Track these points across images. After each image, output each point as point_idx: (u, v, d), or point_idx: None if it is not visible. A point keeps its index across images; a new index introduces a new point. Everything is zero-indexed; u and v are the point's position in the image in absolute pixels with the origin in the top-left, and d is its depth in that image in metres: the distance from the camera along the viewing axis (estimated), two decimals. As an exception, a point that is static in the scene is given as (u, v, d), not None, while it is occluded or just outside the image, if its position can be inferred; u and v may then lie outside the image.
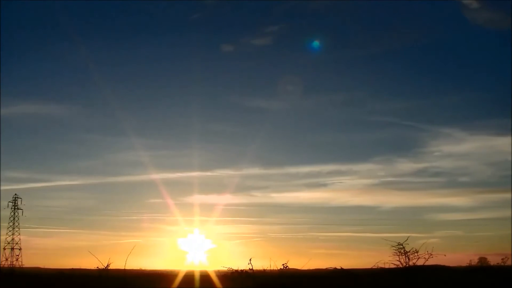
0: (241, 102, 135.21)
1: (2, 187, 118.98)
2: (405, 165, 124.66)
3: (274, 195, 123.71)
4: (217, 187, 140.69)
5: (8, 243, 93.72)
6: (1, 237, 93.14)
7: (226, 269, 20.39)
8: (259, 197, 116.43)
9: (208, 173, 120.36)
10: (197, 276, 22.50)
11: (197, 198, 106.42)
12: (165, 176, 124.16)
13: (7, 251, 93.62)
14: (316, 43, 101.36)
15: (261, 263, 20.16)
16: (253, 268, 19.60)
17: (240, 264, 19.98)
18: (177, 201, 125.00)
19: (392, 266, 18.48)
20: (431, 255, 17.89)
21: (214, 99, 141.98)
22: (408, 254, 18.22)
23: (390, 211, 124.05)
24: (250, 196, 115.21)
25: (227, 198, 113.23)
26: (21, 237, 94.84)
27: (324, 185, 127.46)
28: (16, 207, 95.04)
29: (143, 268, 52.18)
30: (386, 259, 18.50)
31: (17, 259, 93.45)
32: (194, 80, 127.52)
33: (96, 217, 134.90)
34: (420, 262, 18.13)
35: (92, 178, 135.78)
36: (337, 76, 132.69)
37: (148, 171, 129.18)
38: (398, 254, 18.36)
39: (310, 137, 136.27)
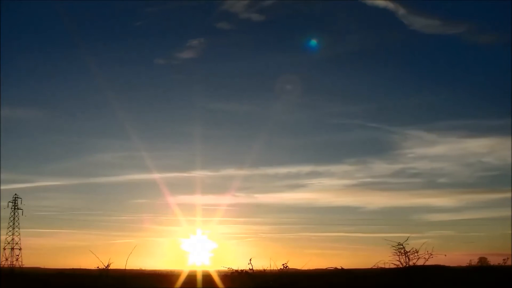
0: (205, 105, 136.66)
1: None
2: (381, 166, 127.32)
3: (257, 195, 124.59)
4: (198, 187, 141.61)
5: (8, 243, 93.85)
6: (1, 237, 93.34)
7: (226, 269, 20.40)
8: (243, 197, 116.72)
9: (185, 174, 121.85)
10: (186, 276, 22.55)
11: (180, 199, 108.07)
12: (147, 177, 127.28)
13: (7, 251, 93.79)
14: (313, 42, 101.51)
15: (261, 263, 20.17)
16: (253, 268, 19.61)
17: (240, 264, 19.99)
18: (161, 202, 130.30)
19: (392, 266, 18.50)
20: (431, 255, 17.93)
21: (179, 102, 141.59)
22: (408, 254, 18.24)
23: (376, 212, 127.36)
24: (233, 196, 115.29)
25: (211, 199, 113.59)
26: (20, 236, 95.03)
27: (303, 186, 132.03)
28: (16, 207, 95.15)
29: (143, 268, 52.31)
30: (386, 259, 18.54)
31: (17, 259, 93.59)
32: (165, 84, 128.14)
33: (83, 217, 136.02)
34: (420, 262, 18.17)
35: (73, 179, 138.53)
36: (297, 80, 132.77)
37: (126, 172, 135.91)
38: (398, 254, 18.38)
39: (280, 139, 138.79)
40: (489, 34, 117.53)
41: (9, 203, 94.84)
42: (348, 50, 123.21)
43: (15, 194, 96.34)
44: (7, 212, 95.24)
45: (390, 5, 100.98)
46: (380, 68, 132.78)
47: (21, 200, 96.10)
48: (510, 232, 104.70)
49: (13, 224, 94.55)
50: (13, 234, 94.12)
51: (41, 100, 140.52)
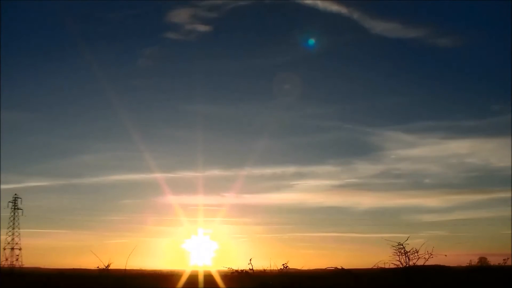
0: (178, 106, 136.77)
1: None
2: (366, 167, 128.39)
3: (246, 196, 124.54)
4: (184, 188, 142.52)
5: (8, 243, 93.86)
6: (1, 237, 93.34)
7: (226, 269, 20.40)
8: (230, 197, 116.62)
9: (171, 175, 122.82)
10: (187, 276, 22.61)
11: (172, 199, 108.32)
12: (131, 177, 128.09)
13: (7, 251, 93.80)
14: (311, 41, 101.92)
15: (261, 263, 20.18)
16: (253, 268, 19.61)
17: (240, 264, 20.00)
18: (151, 202, 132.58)
19: (392, 266, 18.49)
20: (431, 255, 17.91)
21: (155, 104, 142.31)
22: (408, 254, 18.24)
23: (366, 212, 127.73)
24: (220, 197, 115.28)
25: (200, 199, 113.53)
26: (20, 236, 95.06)
27: (289, 186, 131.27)
28: (16, 207, 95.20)
29: (143, 268, 52.27)
30: (386, 259, 18.55)
31: (17, 259, 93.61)
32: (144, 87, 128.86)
33: (76, 218, 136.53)
34: (420, 262, 18.15)
35: (60, 179, 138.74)
36: (265, 82, 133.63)
37: (111, 173, 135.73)
38: (398, 254, 18.38)
39: (259, 140, 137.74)
40: (449, 36, 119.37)
41: (9, 203, 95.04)
42: (313, 54, 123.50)
43: (15, 194, 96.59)
44: (7, 212, 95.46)
45: (344, 10, 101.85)
46: (348, 70, 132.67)
47: (21, 200, 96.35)
48: (500, 232, 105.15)
49: (13, 224, 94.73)
50: (13, 234, 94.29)
51: (26, 101, 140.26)
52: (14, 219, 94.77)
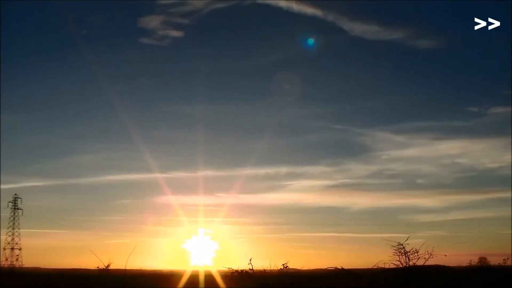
0: (161, 107, 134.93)
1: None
2: (359, 168, 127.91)
3: (241, 196, 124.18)
4: (181, 188, 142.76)
5: (8, 243, 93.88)
6: (1, 237, 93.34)
7: (226, 269, 20.40)
8: (226, 197, 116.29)
9: (165, 175, 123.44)
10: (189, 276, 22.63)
11: (168, 199, 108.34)
12: (131, 177, 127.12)
13: (7, 251, 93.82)
14: (310, 41, 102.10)
15: (261, 263, 20.19)
16: (253, 268, 19.62)
17: (240, 264, 20.01)
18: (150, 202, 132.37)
19: (392, 266, 18.50)
20: (431, 255, 17.93)
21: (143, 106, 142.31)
22: (408, 254, 18.25)
23: (362, 212, 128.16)
24: (215, 197, 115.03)
25: (194, 199, 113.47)
26: (20, 237, 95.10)
27: (283, 186, 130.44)
28: (16, 207, 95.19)
29: (143, 268, 52.26)
30: (386, 259, 18.56)
31: (17, 259, 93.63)
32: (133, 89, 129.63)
33: (72, 217, 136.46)
34: (420, 262, 18.17)
35: (58, 179, 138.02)
36: (252, 83, 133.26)
37: (110, 173, 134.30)
38: (398, 254, 18.39)
39: (249, 141, 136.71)
40: (431, 37, 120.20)
41: (9, 203, 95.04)
42: (293, 56, 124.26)
43: (15, 194, 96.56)
44: (7, 212, 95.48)
45: (319, 12, 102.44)
46: (333, 71, 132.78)
47: (21, 200, 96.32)
48: (499, 232, 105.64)
49: (13, 224, 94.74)
50: (13, 234, 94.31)
51: (21, 102, 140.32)
52: (14, 219, 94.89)
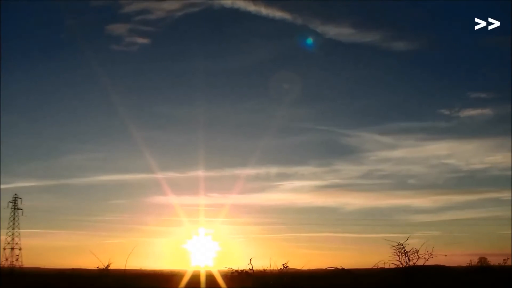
0: (148, 108, 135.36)
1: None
2: (349, 168, 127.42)
3: (232, 196, 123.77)
4: (169, 187, 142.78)
5: (8, 243, 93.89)
6: (1, 237, 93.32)
7: (226, 269, 20.40)
8: (217, 198, 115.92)
9: (154, 175, 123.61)
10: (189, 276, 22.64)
11: (159, 199, 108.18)
12: (131, 177, 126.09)
13: (7, 251, 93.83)
14: (309, 40, 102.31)
15: (261, 263, 20.18)
16: (253, 268, 19.61)
17: (240, 264, 20.00)
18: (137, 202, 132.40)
19: (392, 266, 18.50)
20: (431, 255, 17.93)
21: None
22: (408, 254, 18.24)
23: (357, 212, 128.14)
24: (208, 197, 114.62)
25: (186, 199, 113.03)
26: (20, 237, 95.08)
27: (275, 186, 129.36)
28: (16, 207, 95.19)
29: (143, 268, 52.23)
30: (386, 259, 18.55)
31: (17, 259, 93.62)
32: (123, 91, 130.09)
33: (72, 218, 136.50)
34: (420, 262, 18.17)
35: (49, 180, 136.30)
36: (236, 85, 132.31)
37: (100, 173, 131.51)
38: (398, 254, 18.39)
39: (237, 141, 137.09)
40: (404, 40, 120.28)
41: (9, 203, 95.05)
42: (267, 58, 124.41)
43: (15, 194, 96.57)
44: (7, 212, 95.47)
45: (288, 16, 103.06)
46: (310, 73, 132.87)
47: (21, 200, 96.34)
48: (497, 232, 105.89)
49: (13, 224, 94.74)
50: (13, 234, 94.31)
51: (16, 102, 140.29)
52: (14, 219, 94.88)
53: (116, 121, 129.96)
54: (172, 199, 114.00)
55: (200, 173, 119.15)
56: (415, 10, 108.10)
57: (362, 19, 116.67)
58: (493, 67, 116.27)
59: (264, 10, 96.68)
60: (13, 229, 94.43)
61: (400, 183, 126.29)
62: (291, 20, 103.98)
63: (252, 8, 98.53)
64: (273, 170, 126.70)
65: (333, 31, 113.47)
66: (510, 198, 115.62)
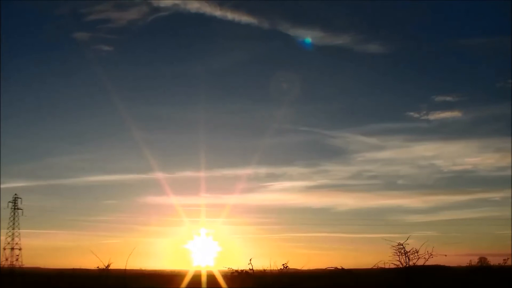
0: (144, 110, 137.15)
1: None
2: (337, 169, 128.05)
3: (224, 196, 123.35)
4: (162, 188, 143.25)
5: (8, 243, 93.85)
6: (1, 237, 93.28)
7: (226, 269, 20.41)
8: (210, 198, 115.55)
9: (144, 176, 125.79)
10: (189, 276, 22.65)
11: (153, 199, 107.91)
12: (131, 177, 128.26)
13: (7, 251, 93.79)
14: (308, 40, 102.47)
15: (261, 263, 20.18)
16: (253, 268, 19.62)
17: (240, 264, 20.00)
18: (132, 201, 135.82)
19: (392, 266, 18.49)
20: (431, 255, 17.91)
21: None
22: (408, 254, 18.24)
23: (349, 212, 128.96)
24: (199, 197, 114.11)
25: (178, 199, 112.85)
26: (20, 237, 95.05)
27: (264, 187, 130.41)
28: (16, 207, 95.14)
29: (143, 268, 52.29)
30: (386, 259, 18.54)
31: (17, 259, 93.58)
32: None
33: (72, 218, 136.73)
34: (420, 262, 18.15)
35: (41, 181, 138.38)
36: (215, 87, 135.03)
37: (100, 174, 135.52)
38: (398, 254, 18.38)
39: (222, 142, 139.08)
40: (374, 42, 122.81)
41: (9, 203, 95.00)
42: (239, 61, 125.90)
43: (15, 194, 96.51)
44: (7, 212, 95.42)
45: (253, 20, 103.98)
46: (290, 74, 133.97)
47: (21, 200, 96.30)
48: (495, 232, 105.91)
49: (13, 224, 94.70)
50: (13, 234, 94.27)
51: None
52: (14, 219, 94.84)
53: (116, 121, 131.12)
54: (166, 199, 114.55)
55: (189, 173, 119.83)
56: (386, 11, 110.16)
57: (329, 23, 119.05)
58: (459, 70, 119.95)
59: (230, 15, 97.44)
60: (13, 229, 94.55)
61: (390, 184, 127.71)
62: (257, 24, 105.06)
63: (218, 13, 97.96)
64: (262, 170, 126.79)
65: (304, 34, 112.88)
66: (499, 198, 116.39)
